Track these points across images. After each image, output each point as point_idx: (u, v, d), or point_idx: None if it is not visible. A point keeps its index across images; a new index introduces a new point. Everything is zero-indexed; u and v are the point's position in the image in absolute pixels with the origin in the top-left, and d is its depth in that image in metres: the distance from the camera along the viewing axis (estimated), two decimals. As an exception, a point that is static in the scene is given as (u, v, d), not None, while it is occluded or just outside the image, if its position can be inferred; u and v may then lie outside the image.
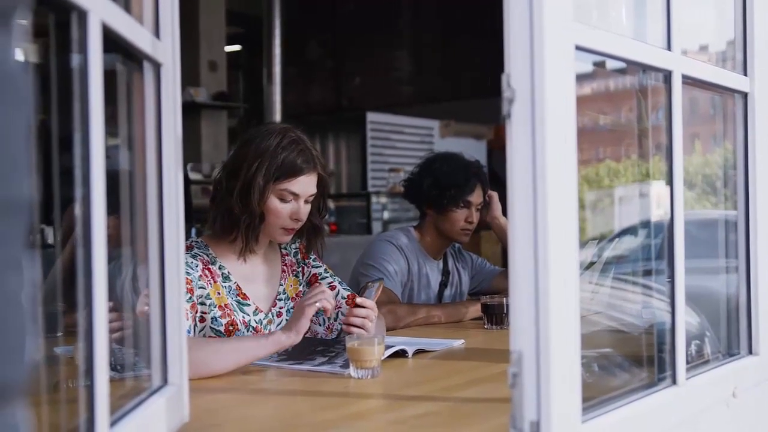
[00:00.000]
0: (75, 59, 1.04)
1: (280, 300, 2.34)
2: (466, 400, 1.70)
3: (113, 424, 1.11)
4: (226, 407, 1.69)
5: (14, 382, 0.56)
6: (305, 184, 2.22)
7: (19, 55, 0.58)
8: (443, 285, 3.16)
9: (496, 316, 2.66)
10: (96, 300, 1.02)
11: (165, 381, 1.39)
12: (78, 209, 1.04)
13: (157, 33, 1.36)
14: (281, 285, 2.36)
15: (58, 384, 1.32)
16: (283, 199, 2.20)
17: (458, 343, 2.37)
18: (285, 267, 2.39)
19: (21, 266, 0.57)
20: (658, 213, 1.98)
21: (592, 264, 2.21)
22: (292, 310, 2.32)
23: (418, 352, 2.19)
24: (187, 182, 5.44)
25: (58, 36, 1.07)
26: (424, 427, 1.50)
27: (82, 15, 1.01)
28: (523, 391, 1.18)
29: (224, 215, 2.22)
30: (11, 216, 0.55)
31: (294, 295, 2.37)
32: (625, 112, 2.07)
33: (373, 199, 7.61)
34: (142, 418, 1.23)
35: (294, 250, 2.43)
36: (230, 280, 2.23)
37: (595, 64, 1.49)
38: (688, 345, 1.62)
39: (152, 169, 1.37)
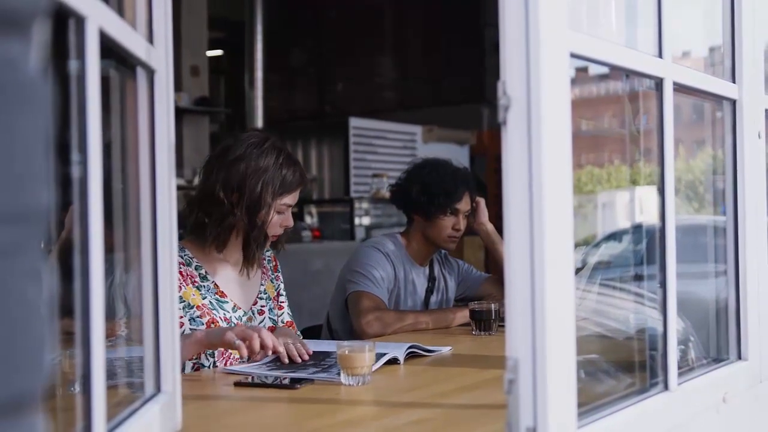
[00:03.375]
0: (72, 65, 1.03)
1: (261, 299, 2.42)
2: (458, 407, 1.70)
3: (109, 432, 1.10)
4: (218, 415, 1.68)
5: (35, 391, 0.56)
6: (297, 196, 2.36)
7: (38, 63, 0.58)
8: (429, 291, 3.16)
9: (484, 322, 2.66)
10: (93, 308, 1.01)
11: (158, 389, 1.38)
12: (75, 215, 1.03)
13: (150, 39, 1.36)
14: (262, 285, 2.44)
15: (53, 391, 1.31)
16: (280, 212, 2.31)
17: (446, 350, 2.37)
18: (264, 269, 2.47)
19: (39, 275, 0.56)
20: (642, 218, 2.00)
21: (578, 270, 2.22)
22: (273, 310, 2.43)
23: (410, 355, 2.19)
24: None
25: (53, 41, 1.06)
26: (419, 434, 1.50)
27: (80, 21, 1.00)
28: (519, 397, 1.18)
29: (228, 230, 2.27)
30: (30, 225, 0.55)
31: (273, 297, 2.46)
32: (608, 117, 2.08)
33: (356, 204, 7.58)
34: (137, 426, 1.22)
35: (268, 258, 2.52)
36: (208, 280, 2.29)
37: (578, 69, 1.50)
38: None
39: (145, 176, 1.36)
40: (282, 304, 2.52)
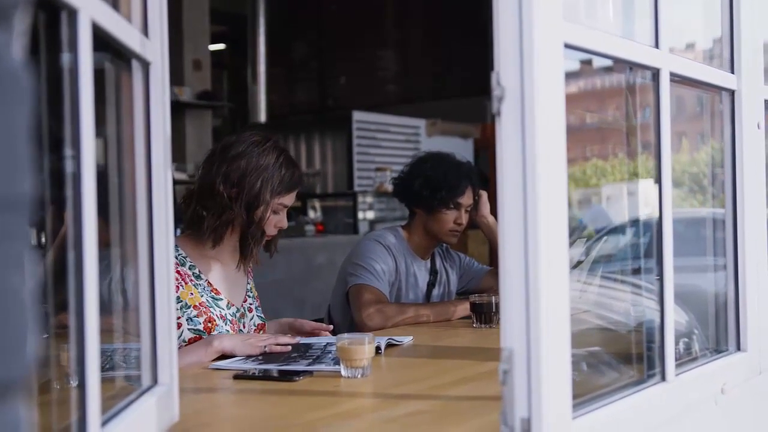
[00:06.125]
0: (64, 58, 1.03)
1: (249, 296, 2.47)
2: (456, 398, 1.70)
3: (104, 423, 1.10)
4: (216, 407, 1.69)
5: (17, 379, 0.56)
6: (294, 197, 2.39)
7: (20, 53, 0.58)
8: (431, 284, 3.16)
9: (485, 314, 2.66)
10: (87, 300, 1.02)
11: (155, 381, 1.38)
12: (68, 210, 1.03)
13: (145, 31, 1.36)
14: (249, 284, 2.49)
15: (48, 384, 1.31)
16: (275, 212, 2.33)
17: (407, 339, 2.39)
18: (249, 269, 2.51)
19: (23, 263, 0.57)
20: (645, 211, 2.00)
21: (580, 263, 2.22)
22: (258, 308, 2.48)
23: (389, 345, 2.25)
24: (172, 182, 5.45)
25: (46, 34, 1.06)
26: (415, 425, 1.50)
27: (72, 13, 1.00)
28: (514, 387, 1.18)
29: (225, 225, 2.30)
30: (14, 213, 0.55)
31: (256, 296, 2.51)
32: (612, 110, 2.07)
33: (360, 198, 7.58)
34: (133, 417, 1.22)
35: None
36: (201, 279, 2.32)
37: (582, 61, 1.50)
38: (676, 343, 1.62)
39: (141, 169, 1.37)
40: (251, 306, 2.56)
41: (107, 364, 1.40)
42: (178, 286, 2.22)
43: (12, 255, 0.55)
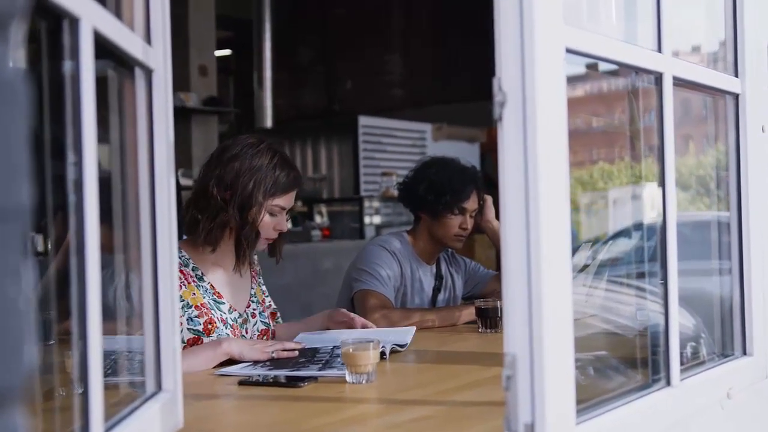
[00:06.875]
0: (66, 65, 1.03)
1: (253, 302, 2.46)
2: (461, 404, 1.70)
3: (108, 430, 1.10)
4: (220, 413, 1.69)
5: (13, 387, 0.56)
6: (292, 199, 2.38)
7: (17, 62, 0.58)
8: (437, 289, 3.15)
9: (490, 319, 2.66)
10: (89, 307, 1.02)
11: (159, 387, 1.38)
12: (71, 217, 1.03)
13: (148, 39, 1.36)
14: (252, 289, 2.48)
15: (52, 391, 1.32)
16: (272, 213, 2.33)
17: (411, 331, 2.41)
18: (254, 273, 2.52)
19: (19, 272, 0.57)
20: (651, 215, 1.99)
21: (585, 266, 2.21)
22: (263, 313, 2.47)
23: (393, 351, 2.24)
24: (178, 188, 5.46)
25: (49, 42, 1.07)
26: (420, 430, 1.50)
27: (74, 22, 1.00)
28: (517, 393, 1.18)
29: (220, 227, 2.29)
30: (10, 222, 0.55)
31: (261, 300, 2.50)
32: (618, 113, 2.07)
33: (366, 203, 7.58)
34: (137, 424, 1.22)
35: (255, 263, 2.57)
36: (204, 281, 2.33)
37: (588, 66, 1.50)
38: (683, 347, 1.62)
39: (144, 176, 1.37)
40: (270, 302, 2.57)
41: (110, 368, 1.40)
42: (180, 285, 2.23)
43: (8, 264, 0.55)
